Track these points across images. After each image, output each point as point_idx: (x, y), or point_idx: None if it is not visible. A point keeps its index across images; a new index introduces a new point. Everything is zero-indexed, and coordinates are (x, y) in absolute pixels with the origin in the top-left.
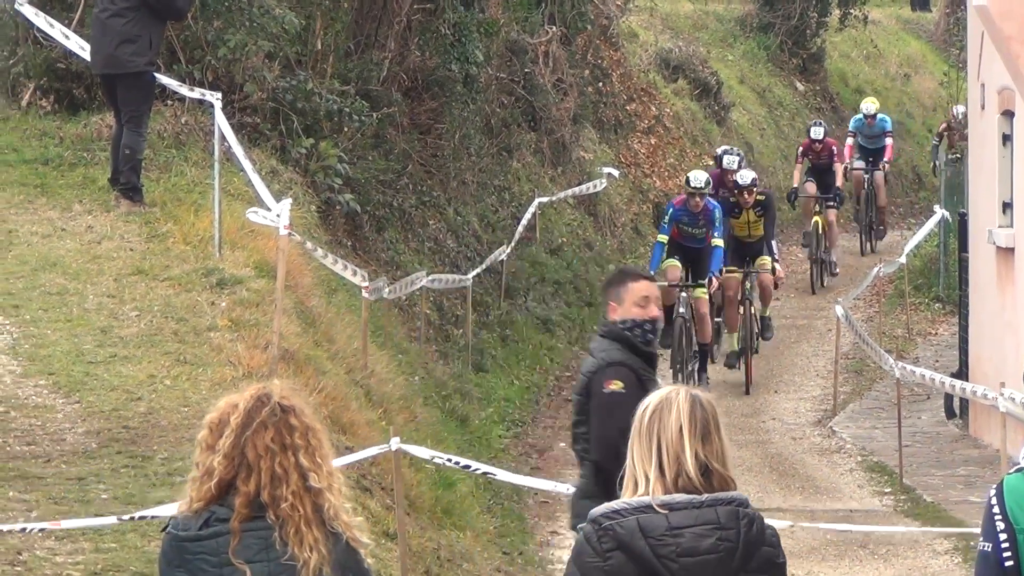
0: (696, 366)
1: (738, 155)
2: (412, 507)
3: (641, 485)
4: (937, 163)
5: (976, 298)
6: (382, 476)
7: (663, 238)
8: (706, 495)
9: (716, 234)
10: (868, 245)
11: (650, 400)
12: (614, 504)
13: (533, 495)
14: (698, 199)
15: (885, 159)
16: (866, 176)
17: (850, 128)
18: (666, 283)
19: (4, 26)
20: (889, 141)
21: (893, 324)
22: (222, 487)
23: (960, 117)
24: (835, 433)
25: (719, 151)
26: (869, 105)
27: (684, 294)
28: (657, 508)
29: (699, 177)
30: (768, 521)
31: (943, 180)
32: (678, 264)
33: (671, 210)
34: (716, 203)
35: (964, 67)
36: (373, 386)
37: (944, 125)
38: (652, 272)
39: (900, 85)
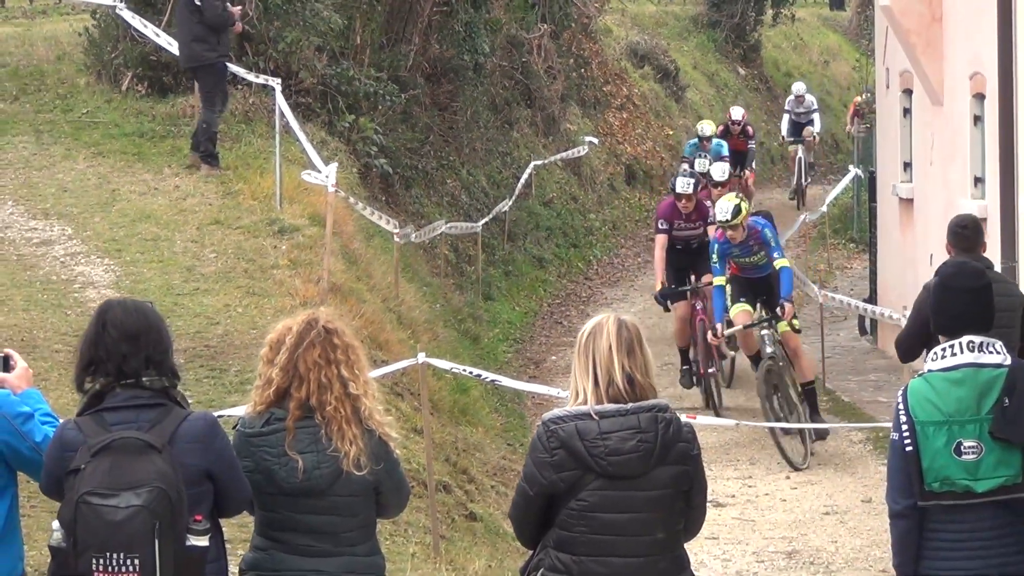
0: (807, 411)
1: (692, 175)
2: (435, 408)
3: (580, 395)
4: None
5: (883, 239)
6: (411, 384)
7: (720, 281)
8: (631, 404)
9: (777, 254)
10: (800, 201)
11: (585, 327)
12: (558, 411)
13: (531, 398)
14: (734, 231)
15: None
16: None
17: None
18: (741, 327)
19: (108, 26)
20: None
21: (817, 260)
22: (279, 394)
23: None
24: None
25: (672, 178)
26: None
27: (766, 332)
28: (592, 415)
29: (724, 208)
30: (716, 420)
31: (855, 144)
32: (748, 308)
33: (716, 245)
34: (763, 221)
35: (872, 55)
36: (403, 312)
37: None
38: (718, 325)
39: (821, 69)
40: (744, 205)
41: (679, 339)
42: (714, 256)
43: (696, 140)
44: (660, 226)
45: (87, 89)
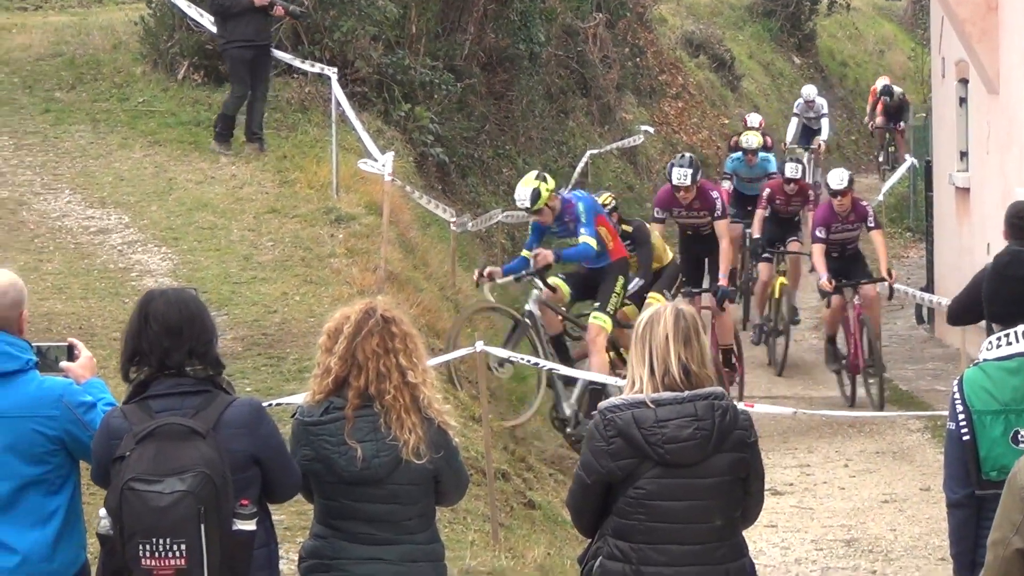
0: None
1: (691, 165)
2: (492, 396)
3: (636, 384)
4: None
5: (939, 228)
6: (469, 372)
7: (527, 254)
8: (687, 392)
9: (584, 230)
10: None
11: (643, 316)
12: (615, 400)
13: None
14: (540, 215)
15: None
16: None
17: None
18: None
19: (163, 15)
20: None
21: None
22: (338, 382)
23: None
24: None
25: (669, 165)
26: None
27: (535, 291)
28: (648, 403)
29: (522, 195)
30: (774, 408)
31: (911, 134)
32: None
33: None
34: (581, 194)
35: (927, 44)
36: (460, 300)
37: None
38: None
39: (876, 59)
40: (545, 187)
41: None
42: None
43: (740, 154)
44: (656, 214)
45: (143, 78)
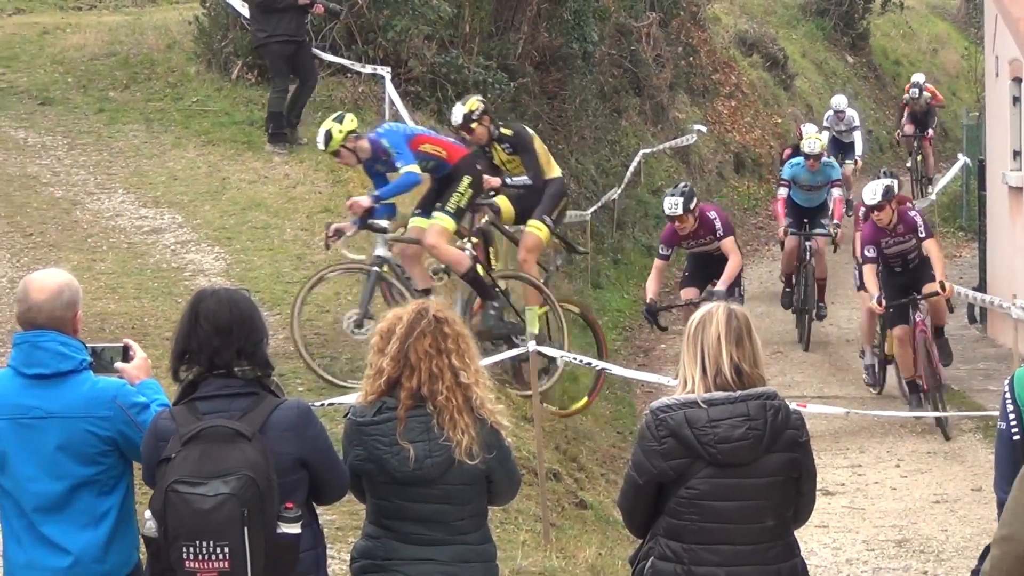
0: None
1: (682, 194)
2: (545, 397)
3: (688, 384)
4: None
5: (992, 227)
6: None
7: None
8: (739, 392)
9: (400, 162)
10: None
11: (695, 315)
12: (667, 399)
13: (640, 386)
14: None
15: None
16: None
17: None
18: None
19: (217, 15)
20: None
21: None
22: (390, 383)
23: (915, 94)
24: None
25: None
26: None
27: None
28: (700, 403)
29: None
30: (826, 408)
31: (964, 133)
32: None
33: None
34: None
35: (981, 43)
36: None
37: (903, 111)
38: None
39: (930, 58)
40: (338, 128)
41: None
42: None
43: (800, 159)
44: (661, 251)
45: (197, 78)
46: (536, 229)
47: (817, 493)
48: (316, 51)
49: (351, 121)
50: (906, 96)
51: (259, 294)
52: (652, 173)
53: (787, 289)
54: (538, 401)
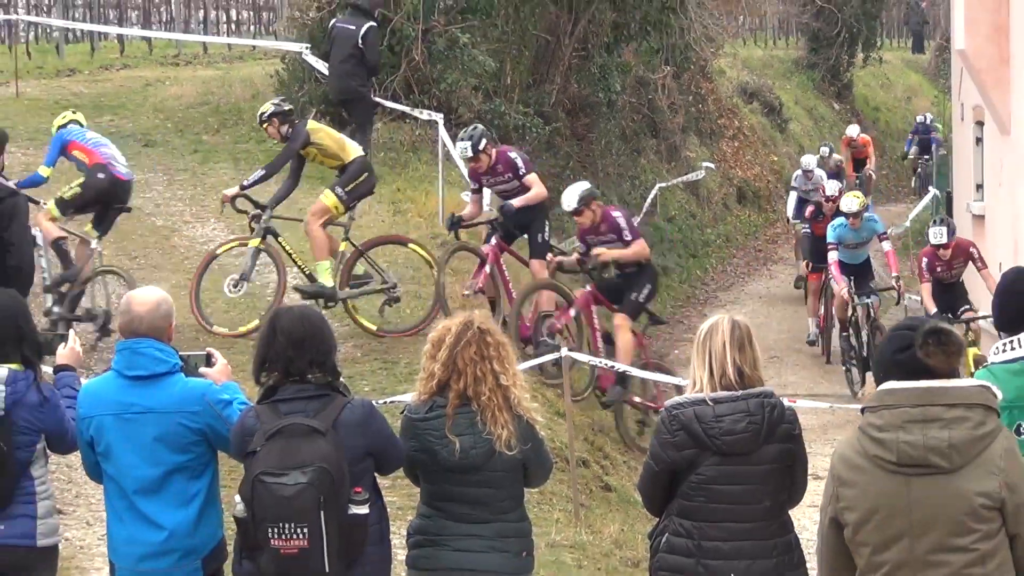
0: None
1: (470, 136)
2: (575, 395)
3: (697, 384)
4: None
5: None
6: (555, 374)
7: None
8: (741, 391)
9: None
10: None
11: (703, 325)
12: (679, 398)
13: (657, 386)
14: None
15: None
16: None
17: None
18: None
19: (295, 69)
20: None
21: (901, 268)
22: (440, 385)
23: (825, 156)
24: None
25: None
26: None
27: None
28: (708, 401)
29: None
30: (814, 403)
31: (934, 167)
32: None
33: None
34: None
35: (949, 92)
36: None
37: (845, 143)
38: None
39: (904, 105)
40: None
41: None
42: None
43: (843, 220)
44: (471, 187)
45: None
46: (324, 197)
47: (808, 478)
48: (379, 100)
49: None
50: (816, 157)
51: (330, 308)
52: (667, 204)
53: (843, 333)
54: (570, 399)
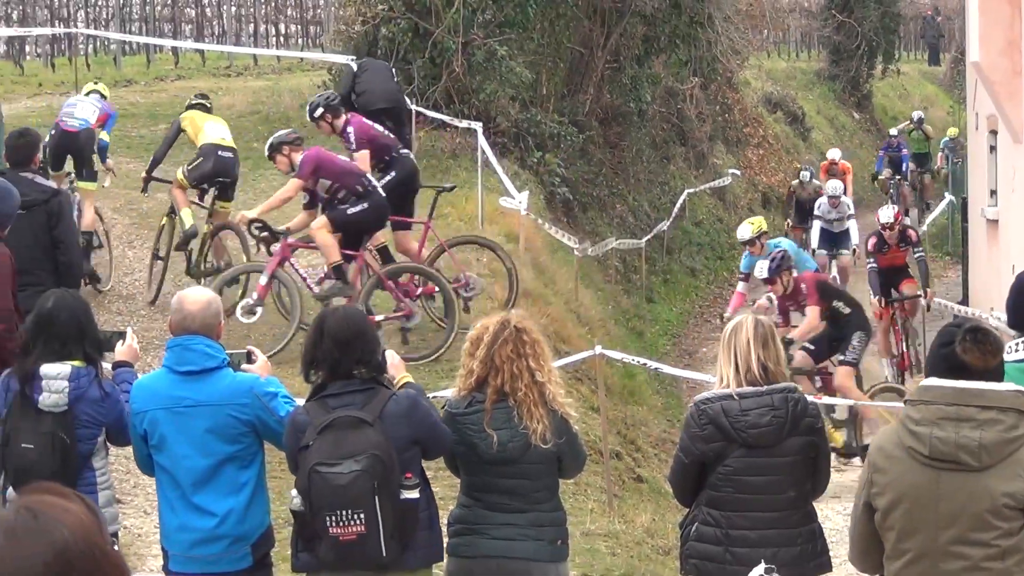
0: None
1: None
2: (608, 391)
3: (724, 380)
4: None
5: (973, 253)
6: (588, 371)
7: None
8: (765, 387)
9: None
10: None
11: (729, 324)
12: (707, 393)
13: (686, 382)
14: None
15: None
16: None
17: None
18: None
19: (344, 79)
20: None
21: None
22: (479, 381)
23: (804, 181)
24: None
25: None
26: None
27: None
28: (734, 396)
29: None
30: (836, 400)
31: (951, 174)
32: None
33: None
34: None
35: (964, 102)
36: (581, 312)
37: (824, 166)
38: None
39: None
40: None
41: None
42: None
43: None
44: None
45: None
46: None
47: (831, 469)
48: (421, 109)
49: None
50: (794, 182)
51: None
52: (695, 209)
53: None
54: (603, 394)
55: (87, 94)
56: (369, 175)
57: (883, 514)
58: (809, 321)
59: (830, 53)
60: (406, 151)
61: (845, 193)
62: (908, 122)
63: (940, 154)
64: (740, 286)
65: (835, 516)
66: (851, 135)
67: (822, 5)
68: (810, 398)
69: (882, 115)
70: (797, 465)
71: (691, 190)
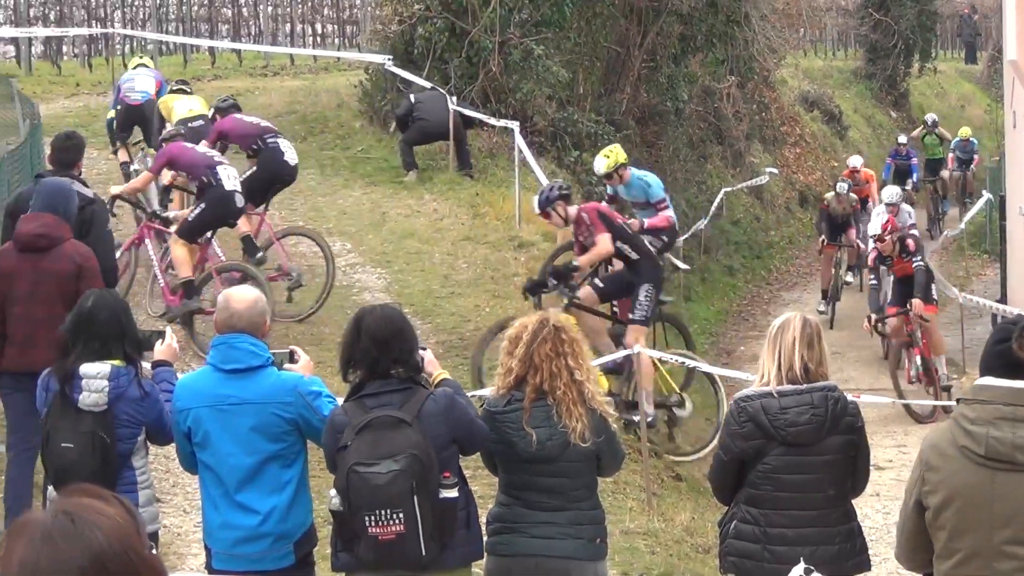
0: None
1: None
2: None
3: (765, 377)
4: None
5: (1011, 251)
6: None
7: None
8: (805, 385)
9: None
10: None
11: (776, 321)
12: (747, 391)
13: (724, 380)
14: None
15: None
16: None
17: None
18: None
19: (378, 79)
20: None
21: (956, 269)
22: (517, 380)
23: (841, 193)
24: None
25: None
26: (892, 191)
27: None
28: (774, 394)
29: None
30: (876, 398)
31: (987, 174)
32: None
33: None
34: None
35: (1001, 100)
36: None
37: (845, 175)
38: None
39: (958, 113)
40: None
41: None
42: None
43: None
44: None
45: (361, 131)
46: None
47: (870, 468)
48: (459, 108)
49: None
50: (828, 195)
51: (412, 307)
52: (732, 208)
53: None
54: (642, 395)
55: (135, 68)
56: (219, 168)
57: (934, 512)
58: (598, 248)
59: (867, 51)
60: (275, 142)
61: (869, 202)
62: (922, 127)
63: (951, 155)
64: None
65: (874, 515)
66: (888, 134)
67: (859, 3)
68: (849, 397)
69: (919, 113)
70: (836, 464)
71: (728, 189)
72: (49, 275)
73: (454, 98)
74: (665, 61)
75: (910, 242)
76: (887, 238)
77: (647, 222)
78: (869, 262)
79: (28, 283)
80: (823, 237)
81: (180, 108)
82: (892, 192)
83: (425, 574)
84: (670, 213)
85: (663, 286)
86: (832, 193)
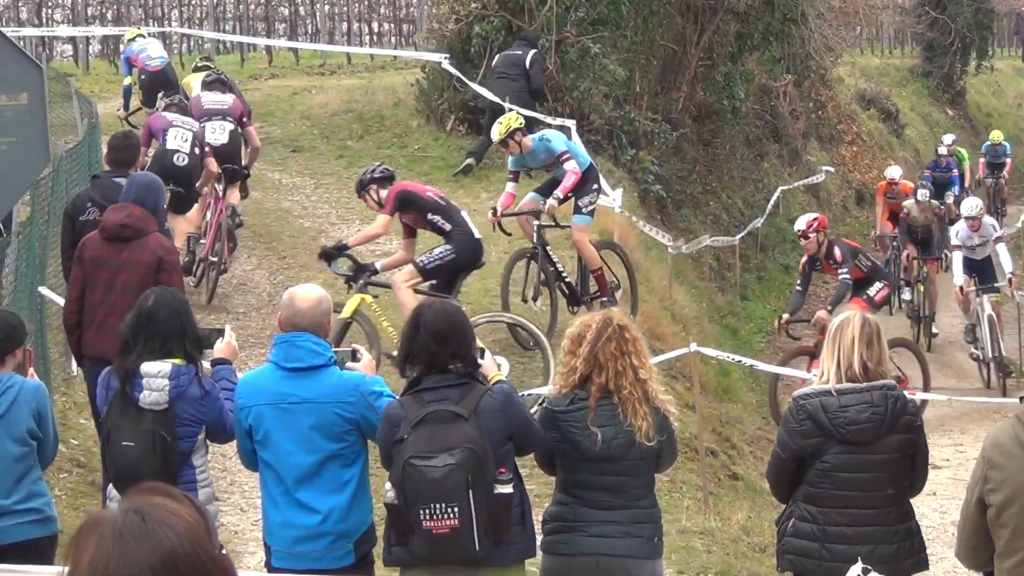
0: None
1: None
2: (703, 388)
3: (825, 376)
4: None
5: None
6: (684, 368)
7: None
8: (865, 383)
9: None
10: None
11: (836, 320)
12: (806, 389)
13: (781, 380)
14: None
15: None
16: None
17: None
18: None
19: (435, 78)
20: (1007, 160)
21: (1014, 266)
22: (581, 379)
23: (923, 202)
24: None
25: None
26: (974, 203)
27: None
28: (832, 392)
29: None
30: (933, 396)
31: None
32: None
33: None
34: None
35: None
36: (676, 310)
37: (881, 188)
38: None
39: (1016, 111)
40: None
41: None
42: None
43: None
44: None
45: (418, 129)
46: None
47: (928, 467)
48: (515, 108)
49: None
50: (907, 203)
51: (470, 305)
52: (789, 206)
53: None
54: (699, 392)
55: (133, 39)
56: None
57: (997, 511)
58: (373, 226)
59: (924, 50)
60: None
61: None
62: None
63: (981, 161)
64: (509, 186)
65: (931, 514)
66: (945, 132)
67: (916, 2)
68: (908, 395)
69: (976, 112)
70: (895, 462)
71: (785, 187)
72: (130, 265)
73: (507, 97)
74: (722, 59)
75: (837, 250)
76: (811, 236)
77: (559, 189)
78: (800, 266)
79: (109, 271)
80: (907, 252)
81: (197, 87)
82: (972, 204)
83: (479, 569)
84: (574, 165)
85: (479, 263)
86: (912, 200)
